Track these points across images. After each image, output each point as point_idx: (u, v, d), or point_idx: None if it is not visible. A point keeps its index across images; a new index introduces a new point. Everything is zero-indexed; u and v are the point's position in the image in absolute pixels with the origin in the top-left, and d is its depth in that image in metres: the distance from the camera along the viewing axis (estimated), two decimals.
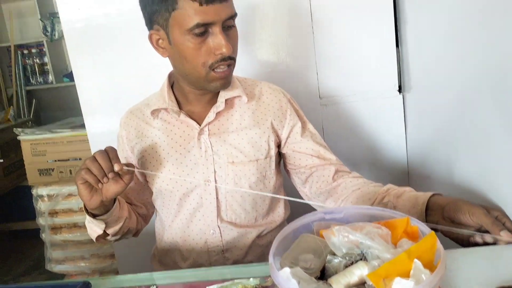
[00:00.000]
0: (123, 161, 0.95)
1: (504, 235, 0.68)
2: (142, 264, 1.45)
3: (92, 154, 0.85)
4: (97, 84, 1.35)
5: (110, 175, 0.83)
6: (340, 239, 0.60)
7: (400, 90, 1.33)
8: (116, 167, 0.82)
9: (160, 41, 0.91)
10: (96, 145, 1.39)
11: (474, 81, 0.91)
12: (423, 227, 0.61)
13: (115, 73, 1.34)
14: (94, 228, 0.94)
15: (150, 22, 0.90)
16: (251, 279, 0.74)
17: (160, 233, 1.08)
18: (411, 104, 1.33)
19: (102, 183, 0.84)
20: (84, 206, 0.91)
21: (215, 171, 0.97)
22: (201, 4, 0.81)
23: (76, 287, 0.74)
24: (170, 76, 1.03)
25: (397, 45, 1.31)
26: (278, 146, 1.04)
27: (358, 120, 1.35)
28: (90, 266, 1.66)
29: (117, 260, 1.51)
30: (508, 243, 0.68)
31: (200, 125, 0.97)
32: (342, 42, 1.31)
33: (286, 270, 0.55)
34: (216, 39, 0.85)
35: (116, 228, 0.96)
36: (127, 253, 1.48)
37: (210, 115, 0.96)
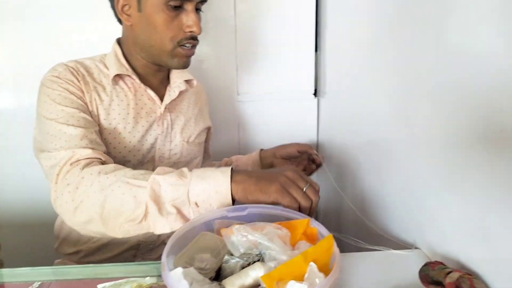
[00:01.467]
0: (77, 103, 0.86)
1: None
2: (28, 256, 1.33)
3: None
4: (5, 60, 1.21)
5: None
6: (239, 238, 0.59)
7: (315, 94, 1.37)
8: None
9: (127, 7, 0.88)
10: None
11: (380, 90, 0.95)
12: (322, 229, 0.61)
13: (25, 50, 1.20)
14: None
15: None
16: (147, 277, 0.70)
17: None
18: (325, 108, 1.37)
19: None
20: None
21: (171, 149, 0.98)
22: None
23: None
24: (120, 44, 0.96)
25: (316, 50, 1.34)
26: None
27: (273, 120, 1.35)
28: None
29: (2, 252, 1.36)
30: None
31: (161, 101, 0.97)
32: (263, 42, 1.30)
33: (178, 270, 0.52)
34: (189, 16, 0.87)
35: None
36: (14, 244, 1.34)
37: (172, 94, 0.98)
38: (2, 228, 1.33)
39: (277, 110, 1.36)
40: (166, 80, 1.02)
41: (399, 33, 0.84)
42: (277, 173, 0.72)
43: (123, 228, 0.72)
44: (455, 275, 0.58)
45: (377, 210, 0.98)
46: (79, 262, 0.95)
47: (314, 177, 1.10)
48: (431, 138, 0.73)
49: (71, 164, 0.76)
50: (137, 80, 0.94)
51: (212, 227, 0.66)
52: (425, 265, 0.64)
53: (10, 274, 0.74)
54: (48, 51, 1.21)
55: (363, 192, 1.06)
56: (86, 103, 0.87)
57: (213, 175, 0.72)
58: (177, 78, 1.00)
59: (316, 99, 1.37)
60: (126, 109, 0.91)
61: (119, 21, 0.94)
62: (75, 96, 0.86)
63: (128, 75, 0.93)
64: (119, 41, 0.97)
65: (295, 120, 1.38)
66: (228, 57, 1.29)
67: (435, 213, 0.73)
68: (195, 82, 1.04)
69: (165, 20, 0.86)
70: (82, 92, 0.87)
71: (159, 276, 0.70)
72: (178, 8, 0.87)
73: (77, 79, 0.87)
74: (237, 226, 0.60)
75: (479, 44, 0.59)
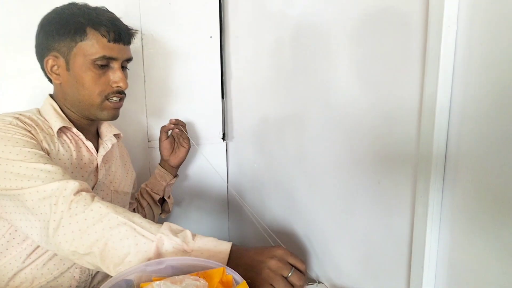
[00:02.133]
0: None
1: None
2: None
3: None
4: None
5: None
6: None
7: (223, 138, 1.45)
8: None
9: (55, 67, 0.95)
10: None
11: (280, 134, 1.06)
12: (236, 276, 0.68)
13: None
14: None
15: (48, 50, 0.94)
16: None
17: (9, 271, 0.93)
18: (233, 150, 1.46)
19: None
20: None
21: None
22: (109, 41, 0.93)
23: None
24: (54, 100, 0.99)
25: (222, 97, 1.43)
26: None
27: (184, 163, 1.41)
28: None
29: None
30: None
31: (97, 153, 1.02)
32: (171, 90, 1.37)
33: None
34: (116, 74, 0.96)
35: None
36: None
37: (106, 146, 1.05)
38: None
39: (189, 153, 1.42)
40: (96, 134, 1.08)
41: (295, 82, 0.97)
42: (262, 264, 0.74)
43: (117, 268, 0.73)
44: None
45: (282, 244, 1.08)
46: None
47: None
48: (325, 179, 0.85)
49: (74, 194, 0.76)
50: (78, 133, 0.98)
51: (131, 282, 0.69)
52: None
53: None
54: None
55: (269, 226, 1.16)
56: (43, 149, 0.88)
57: (215, 247, 0.75)
58: (107, 132, 1.07)
59: (224, 143, 1.46)
60: (69, 159, 0.94)
61: (49, 80, 0.98)
62: (35, 141, 0.86)
63: (69, 128, 0.96)
64: (52, 97, 1.00)
65: (205, 163, 1.45)
66: (137, 106, 1.33)
67: (331, 246, 0.84)
68: (121, 136, 1.12)
69: (92, 78, 0.93)
70: (37, 140, 0.87)
71: None
72: (105, 66, 0.94)
73: (28, 129, 0.88)
74: (157, 281, 0.64)
75: (352, 97, 0.72)
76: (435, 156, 0.59)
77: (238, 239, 1.50)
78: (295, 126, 0.98)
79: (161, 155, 1.29)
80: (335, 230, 0.82)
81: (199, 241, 0.76)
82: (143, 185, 1.31)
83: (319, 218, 0.89)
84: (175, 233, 0.76)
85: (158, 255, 0.73)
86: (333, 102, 0.80)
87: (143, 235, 0.74)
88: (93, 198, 0.78)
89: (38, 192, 0.78)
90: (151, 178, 1.31)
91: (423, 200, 0.61)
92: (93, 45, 0.92)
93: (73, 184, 0.79)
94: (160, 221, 1.38)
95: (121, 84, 0.96)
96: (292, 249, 1.03)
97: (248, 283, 0.73)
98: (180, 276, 0.66)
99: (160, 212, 1.35)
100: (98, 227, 0.74)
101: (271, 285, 0.74)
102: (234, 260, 0.74)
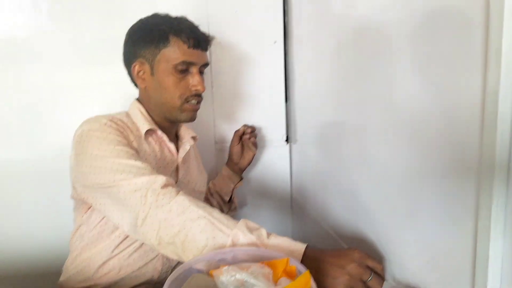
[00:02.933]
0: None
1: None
2: None
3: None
4: None
5: None
6: (228, 278, 0.66)
7: (287, 140, 1.48)
8: None
9: (141, 72, 1.04)
10: None
11: (343, 137, 1.07)
12: (300, 267, 0.70)
13: None
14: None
15: (134, 57, 1.03)
16: None
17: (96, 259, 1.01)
18: (296, 153, 1.48)
19: None
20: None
21: None
22: (189, 47, 1.01)
23: None
24: (140, 103, 1.08)
25: (286, 100, 1.46)
26: None
27: (251, 166, 1.45)
28: None
29: None
30: None
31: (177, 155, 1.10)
32: (237, 95, 1.42)
33: None
34: (194, 78, 1.03)
35: None
36: None
37: (185, 148, 1.12)
38: None
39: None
40: (175, 136, 1.16)
41: (358, 86, 0.97)
42: (341, 270, 0.74)
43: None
44: None
45: (348, 246, 1.08)
46: None
47: None
48: (389, 181, 0.85)
49: (161, 187, 0.83)
50: (162, 135, 1.06)
51: (202, 271, 0.74)
52: None
53: None
54: (18, 107, 1.27)
55: (334, 229, 1.16)
56: (133, 149, 0.95)
57: (289, 247, 0.77)
58: (186, 134, 1.16)
59: (288, 146, 1.49)
60: (154, 159, 1.02)
61: (135, 84, 1.08)
62: (127, 141, 0.95)
63: (154, 130, 1.05)
64: (138, 101, 1.09)
65: (269, 166, 1.49)
66: (206, 110, 1.40)
67: (397, 246, 0.83)
68: (197, 138, 1.19)
69: (173, 81, 1.02)
70: (128, 140, 0.96)
71: None
72: (185, 71, 1.02)
73: (120, 130, 0.97)
74: (226, 267, 0.68)
75: (417, 101, 0.72)
76: (498, 159, 0.57)
77: (301, 241, 1.51)
78: (357, 129, 0.99)
79: (231, 158, 1.35)
80: (399, 232, 0.81)
81: (273, 239, 0.78)
82: (210, 185, 1.37)
83: (383, 219, 0.89)
84: (251, 230, 0.79)
85: None
86: (395, 104, 0.80)
87: (220, 230, 0.78)
88: (177, 192, 0.84)
89: (130, 185, 0.85)
90: (218, 178, 1.37)
91: (486, 206, 0.59)
92: (175, 51, 1.00)
93: (161, 179, 0.85)
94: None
95: (199, 88, 1.03)
96: (353, 246, 1.03)
97: (321, 286, 0.74)
98: (247, 264, 0.70)
99: (228, 211, 1.41)
100: (180, 219, 0.80)
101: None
102: (308, 261, 0.74)
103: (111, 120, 0.97)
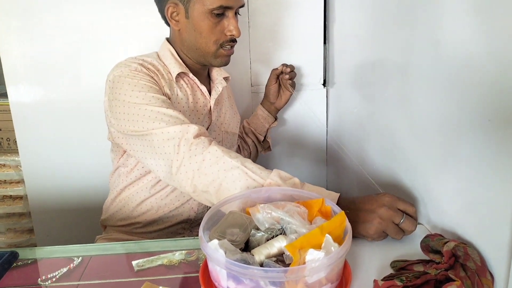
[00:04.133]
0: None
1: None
2: (61, 239, 1.44)
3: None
4: (23, 51, 1.29)
5: None
6: (264, 215, 0.68)
7: (324, 84, 1.45)
8: None
9: (175, 14, 1.00)
10: (18, 116, 1.34)
11: (383, 80, 1.03)
12: (335, 208, 0.70)
13: (42, 42, 1.29)
14: None
15: None
16: (176, 253, 0.78)
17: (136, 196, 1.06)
18: (333, 97, 1.45)
19: None
20: None
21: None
22: None
23: (3, 257, 0.73)
24: (171, 44, 1.06)
25: (324, 42, 1.41)
26: None
27: (284, 109, 1.44)
28: (5, 240, 1.59)
29: (36, 236, 1.47)
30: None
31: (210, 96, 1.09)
32: (274, 36, 1.38)
33: (215, 242, 0.61)
34: (231, 22, 0.99)
35: None
36: (47, 229, 1.45)
37: (217, 89, 1.10)
38: (37, 214, 1.44)
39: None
40: (207, 77, 1.14)
41: (401, 28, 0.92)
42: (372, 214, 0.76)
43: None
44: (451, 244, 0.67)
45: (383, 191, 1.07)
46: (130, 233, 1.07)
47: None
48: (428, 124, 0.82)
49: (194, 137, 0.85)
50: (194, 77, 1.05)
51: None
52: (426, 237, 0.73)
53: (52, 250, 0.82)
54: (62, 46, 1.30)
55: (370, 174, 1.15)
56: (165, 95, 0.96)
57: (322, 193, 0.78)
58: (218, 76, 1.13)
59: (325, 89, 1.45)
60: (187, 103, 1.02)
61: (166, 23, 1.05)
62: (158, 87, 0.95)
63: (186, 73, 1.04)
64: (168, 41, 1.07)
65: (305, 109, 1.47)
66: (242, 51, 1.37)
67: (434, 191, 0.82)
68: (230, 78, 1.16)
69: (209, 26, 0.98)
70: (159, 86, 0.96)
71: (188, 252, 0.79)
72: (220, 15, 0.98)
73: (151, 75, 0.96)
74: (262, 205, 0.69)
75: (467, 44, 0.67)
76: None
77: (336, 187, 1.52)
78: (399, 72, 0.94)
79: (267, 97, 1.33)
80: (438, 175, 0.80)
81: (306, 189, 0.79)
82: (245, 124, 1.38)
83: (421, 164, 0.87)
84: (284, 180, 0.80)
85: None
86: (442, 46, 0.75)
87: (253, 179, 0.80)
88: (210, 142, 0.85)
89: (163, 133, 0.86)
90: (253, 118, 1.37)
91: None
92: None
93: (193, 128, 0.86)
94: (260, 160, 1.46)
95: (234, 33, 0.99)
96: (389, 190, 1.02)
97: (357, 233, 0.75)
98: (282, 202, 0.71)
99: (262, 150, 1.41)
100: (214, 168, 0.81)
101: (384, 232, 0.76)
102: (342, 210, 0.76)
103: (141, 65, 0.97)
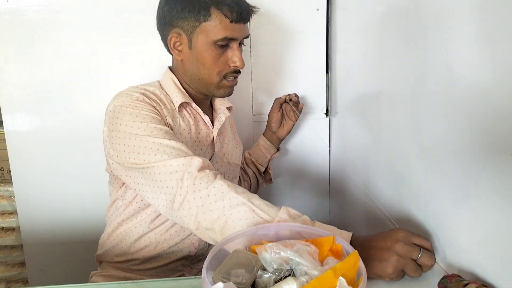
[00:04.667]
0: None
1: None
2: (54, 274, 1.38)
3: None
4: (20, 80, 1.27)
5: None
6: (272, 255, 0.63)
7: (327, 113, 1.43)
8: None
9: (178, 43, 0.97)
10: (14, 145, 1.30)
11: (390, 109, 1.01)
12: (347, 246, 0.66)
13: (40, 71, 1.27)
14: None
15: (171, 26, 0.96)
16: None
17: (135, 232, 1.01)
18: (336, 126, 1.42)
19: None
20: None
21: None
22: (231, 22, 0.93)
23: None
24: (173, 74, 1.04)
25: (327, 71, 1.40)
26: None
27: (287, 138, 1.41)
28: None
29: (27, 269, 1.41)
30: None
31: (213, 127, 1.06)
32: (276, 65, 1.37)
33: (220, 285, 0.57)
34: (235, 53, 0.97)
35: None
36: (40, 262, 1.39)
37: (220, 120, 1.08)
38: (29, 247, 1.38)
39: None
40: (210, 107, 1.11)
41: (409, 56, 0.90)
42: (388, 252, 0.71)
43: None
44: (472, 287, 0.62)
45: (394, 226, 1.03)
46: (127, 270, 1.01)
47: None
48: (443, 154, 0.79)
49: (198, 170, 0.81)
50: (197, 107, 1.02)
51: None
52: (443, 278, 0.68)
53: None
54: (60, 75, 1.27)
55: (377, 207, 1.11)
56: (167, 125, 0.93)
57: (334, 232, 0.73)
58: (221, 105, 1.10)
59: (327, 119, 1.43)
60: (189, 133, 0.99)
61: (168, 51, 1.02)
62: (160, 117, 0.92)
63: (189, 103, 1.01)
64: (171, 70, 1.05)
65: (308, 139, 1.44)
66: (244, 80, 1.35)
67: (450, 227, 0.78)
68: (233, 108, 1.14)
69: (213, 57, 0.95)
70: (161, 116, 0.93)
71: None
72: (225, 46, 0.95)
73: (153, 105, 0.93)
74: (269, 243, 0.65)
75: (483, 72, 0.65)
76: None
77: (340, 220, 1.47)
78: (410, 102, 0.92)
79: (269, 126, 1.30)
80: (454, 208, 0.76)
81: (320, 225, 0.75)
82: (247, 155, 1.34)
83: (435, 195, 0.83)
84: (293, 218, 0.76)
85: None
86: (454, 75, 0.73)
87: (261, 217, 0.75)
88: (215, 176, 0.82)
89: (165, 167, 0.82)
90: (254, 148, 1.33)
91: None
92: (216, 26, 0.92)
93: (197, 161, 0.82)
94: (261, 191, 1.42)
95: (239, 64, 0.97)
96: (400, 225, 0.98)
97: (373, 273, 0.71)
98: (292, 241, 0.67)
99: (262, 182, 1.38)
100: (219, 205, 0.77)
101: (402, 270, 0.71)
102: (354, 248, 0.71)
103: (143, 94, 0.94)
